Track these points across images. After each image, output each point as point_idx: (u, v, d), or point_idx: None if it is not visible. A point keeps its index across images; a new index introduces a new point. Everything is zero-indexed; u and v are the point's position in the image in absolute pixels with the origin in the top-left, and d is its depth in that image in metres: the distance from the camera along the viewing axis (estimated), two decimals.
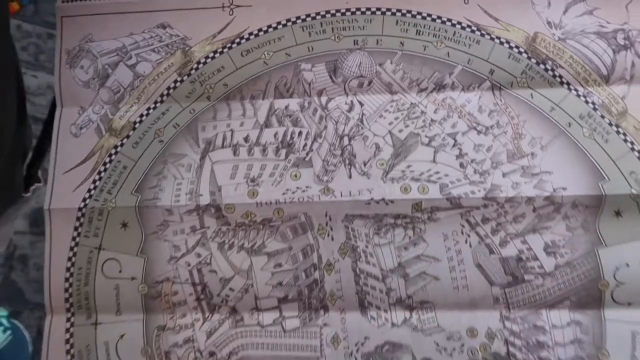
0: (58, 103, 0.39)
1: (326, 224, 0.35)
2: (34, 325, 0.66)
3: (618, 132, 0.35)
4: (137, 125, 0.38)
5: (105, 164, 0.37)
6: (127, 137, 0.37)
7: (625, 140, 0.35)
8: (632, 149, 0.34)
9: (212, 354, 0.34)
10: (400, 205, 0.34)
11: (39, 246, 0.69)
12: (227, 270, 0.35)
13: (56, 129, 0.38)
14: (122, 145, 0.37)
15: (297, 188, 0.35)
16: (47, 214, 0.36)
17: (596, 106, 0.35)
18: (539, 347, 0.33)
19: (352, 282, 0.34)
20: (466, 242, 0.34)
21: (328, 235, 0.35)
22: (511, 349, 0.33)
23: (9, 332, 0.62)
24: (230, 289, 0.35)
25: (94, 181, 0.37)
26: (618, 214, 0.33)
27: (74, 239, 0.36)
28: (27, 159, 0.42)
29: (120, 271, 0.36)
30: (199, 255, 0.35)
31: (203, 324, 0.35)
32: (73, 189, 0.37)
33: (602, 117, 0.35)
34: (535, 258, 0.34)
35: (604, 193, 0.33)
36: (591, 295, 0.33)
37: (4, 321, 0.63)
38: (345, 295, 0.34)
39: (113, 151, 0.37)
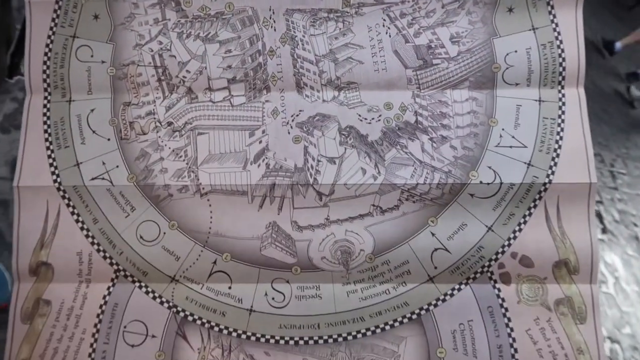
0: None
1: (270, 17, 0.42)
2: None
3: None
4: None
5: None
6: None
7: None
8: None
9: (170, 123, 0.42)
10: (332, 1, 0.42)
11: None
12: (184, 55, 0.42)
13: None
14: None
15: None
16: (27, 6, 0.43)
17: None
18: (442, 117, 0.41)
19: (290, 66, 0.42)
20: (386, 33, 0.42)
21: (271, 26, 0.42)
22: (419, 118, 0.41)
23: None
24: (187, 71, 0.42)
25: None
26: (510, 10, 0.42)
27: (51, 28, 0.43)
28: (10, 48, 0.48)
29: (92, 56, 0.43)
30: (160, 42, 0.43)
31: (163, 100, 0.42)
32: None
33: None
34: (442, 46, 0.42)
35: None
36: (486, 77, 0.41)
37: None
38: (285, 76, 0.42)
39: None
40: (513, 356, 0.37)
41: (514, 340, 0.37)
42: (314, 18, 0.41)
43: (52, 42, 0.42)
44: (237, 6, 0.42)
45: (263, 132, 0.40)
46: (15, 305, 0.39)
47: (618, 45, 2.65)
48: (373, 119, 0.40)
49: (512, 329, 0.37)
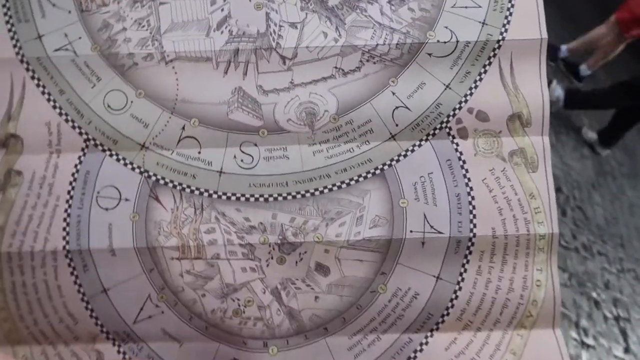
0: None
1: None
2: None
3: None
4: None
5: None
6: None
7: None
8: None
9: None
10: None
11: None
12: None
13: None
14: None
15: None
16: None
17: None
18: None
19: None
20: None
21: None
22: None
23: None
24: None
25: None
26: None
27: None
28: None
29: None
30: None
31: None
32: None
33: None
34: None
35: None
36: None
37: None
38: None
39: None
40: (470, 203, 0.40)
41: (471, 189, 0.40)
42: None
43: None
44: None
45: (224, 0, 0.41)
46: None
47: (563, 49, 2.53)
48: None
49: (469, 179, 0.40)
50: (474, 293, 0.40)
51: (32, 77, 0.41)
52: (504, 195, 0.39)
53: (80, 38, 0.41)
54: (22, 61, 0.40)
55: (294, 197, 0.40)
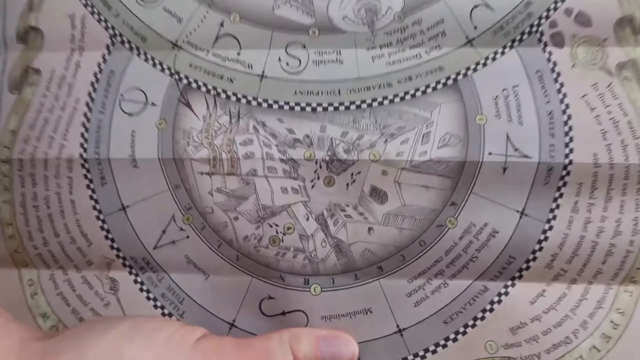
0: None
1: None
2: None
3: None
4: None
5: None
6: None
7: None
8: None
9: None
10: None
11: None
12: None
13: None
14: None
15: None
16: None
17: None
18: None
19: None
20: None
21: None
22: None
23: None
24: None
25: None
26: None
27: None
28: None
29: None
30: None
31: None
32: None
33: None
34: None
35: None
36: None
37: None
38: None
39: None
40: (566, 123, 0.32)
41: (567, 106, 0.32)
42: None
43: None
44: None
45: None
46: (3, 73, 0.36)
47: None
48: None
49: (564, 95, 0.33)
50: (568, 235, 0.31)
51: None
52: (609, 115, 0.31)
53: None
54: None
55: (347, 107, 0.33)
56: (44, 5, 0.36)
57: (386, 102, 0.34)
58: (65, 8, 0.36)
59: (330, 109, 0.34)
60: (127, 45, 0.36)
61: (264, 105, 0.34)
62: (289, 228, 0.34)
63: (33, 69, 0.36)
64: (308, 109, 0.34)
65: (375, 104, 0.34)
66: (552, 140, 0.33)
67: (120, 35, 0.36)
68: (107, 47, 0.36)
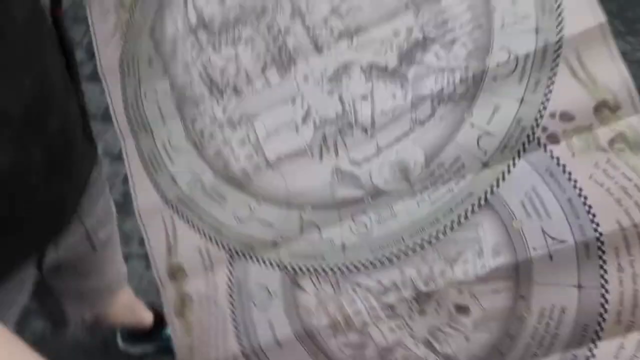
0: None
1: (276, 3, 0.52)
2: None
3: None
4: None
5: None
6: None
7: None
8: None
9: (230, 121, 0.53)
10: None
11: None
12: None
13: None
14: None
15: None
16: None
17: None
18: (444, 24, 0.47)
19: (305, 36, 0.51)
20: None
21: (280, 11, 0.52)
22: (425, 32, 0.48)
23: None
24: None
25: None
26: None
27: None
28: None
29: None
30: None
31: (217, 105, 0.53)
32: None
33: None
34: None
35: None
36: None
37: None
38: (304, 46, 0.51)
39: None
40: (585, 203, 0.42)
41: (580, 190, 0.42)
42: None
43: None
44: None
45: (302, 98, 0.49)
46: (167, 306, 0.51)
47: None
48: (386, 50, 0.47)
49: (575, 181, 0.42)
50: (623, 292, 0.40)
51: (178, 214, 0.51)
52: (617, 185, 0.40)
53: (202, 170, 0.51)
54: (166, 203, 0.51)
55: (413, 250, 0.44)
56: (179, 247, 0.52)
57: (440, 235, 0.45)
58: (193, 244, 0.51)
59: (402, 255, 0.46)
60: (242, 256, 0.50)
61: (353, 269, 0.47)
62: (406, 358, 0.45)
63: (187, 294, 0.51)
64: (385, 261, 0.46)
65: (433, 240, 0.45)
66: (579, 221, 0.42)
67: (235, 249, 0.50)
68: (229, 261, 0.50)
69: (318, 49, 0.48)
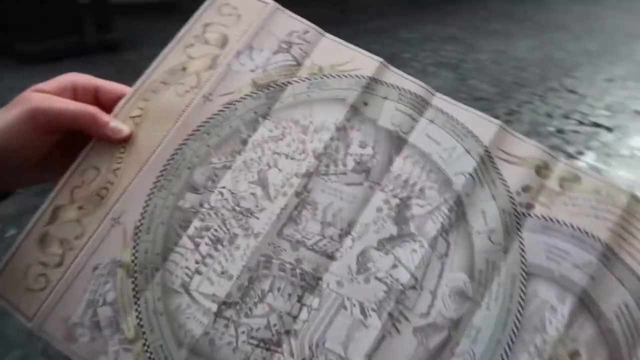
0: None
1: None
2: None
3: None
4: None
5: None
6: None
7: None
8: None
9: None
10: None
11: None
12: None
13: None
14: None
15: None
16: None
17: None
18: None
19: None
20: None
21: None
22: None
23: None
24: None
25: None
26: None
27: None
28: None
29: None
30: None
31: None
32: None
33: None
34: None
35: None
36: None
37: None
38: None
39: None
40: (580, 231, 0.58)
41: (571, 225, 0.58)
42: None
43: None
44: None
45: (348, 300, 0.57)
46: None
47: None
48: (382, 225, 0.59)
49: (564, 221, 0.58)
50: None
51: None
52: (585, 206, 0.57)
53: None
54: None
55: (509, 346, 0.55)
56: None
57: (519, 316, 0.56)
58: None
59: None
60: None
61: None
62: None
63: None
64: None
65: (516, 321, 0.56)
66: (586, 244, 0.58)
67: None
68: None
69: (331, 257, 0.58)
